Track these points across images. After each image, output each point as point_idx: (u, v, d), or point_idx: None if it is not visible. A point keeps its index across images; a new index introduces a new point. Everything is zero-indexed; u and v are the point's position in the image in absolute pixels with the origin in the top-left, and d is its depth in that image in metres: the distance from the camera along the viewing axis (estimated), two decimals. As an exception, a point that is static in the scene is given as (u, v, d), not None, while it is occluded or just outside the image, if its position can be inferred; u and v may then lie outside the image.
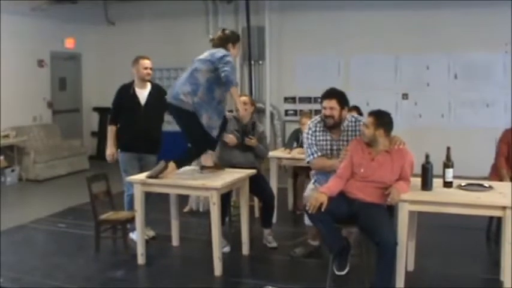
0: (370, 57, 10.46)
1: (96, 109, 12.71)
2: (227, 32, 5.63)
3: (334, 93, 5.23)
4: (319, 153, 5.28)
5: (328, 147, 5.29)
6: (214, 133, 5.41)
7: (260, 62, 11.35)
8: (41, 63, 11.50)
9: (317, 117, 5.42)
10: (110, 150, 6.38)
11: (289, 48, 11.14)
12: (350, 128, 5.26)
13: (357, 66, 10.61)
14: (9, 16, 10.27)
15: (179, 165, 5.54)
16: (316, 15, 10.83)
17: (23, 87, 10.89)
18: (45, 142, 10.99)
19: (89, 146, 12.43)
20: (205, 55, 5.41)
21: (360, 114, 6.81)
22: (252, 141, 6.31)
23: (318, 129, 5.34)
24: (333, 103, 5.15)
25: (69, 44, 12.18)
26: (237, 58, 10.82)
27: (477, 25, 9.71)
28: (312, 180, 5.60)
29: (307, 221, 5.11)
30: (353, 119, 5.30)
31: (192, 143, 5.54)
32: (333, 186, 4.78)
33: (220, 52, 5.33)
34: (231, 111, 6.34)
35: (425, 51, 10.19)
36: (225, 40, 5.54)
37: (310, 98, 10.52)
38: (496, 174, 6.19)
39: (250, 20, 10.91)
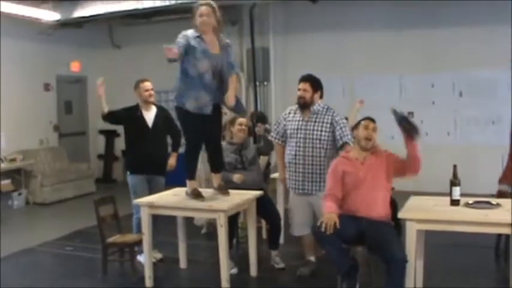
0: (374, 76, 10.49)
1: (102, 132, 12.75)
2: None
3: (308, 78, 5.78)
4: (280, 140, 5.88)
5: (295, 126, 5.70)
6: (208, 110, 5.26)
7: (265, 83, 11.38)
8: (47, 86, 11.58)
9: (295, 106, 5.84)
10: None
11: (293, 69, 11.13)
12: (319, 112, 5.66)
13: (362, 86, 10.62)
14: (16, 40, 10.38)
15: (190, 177, 5.52)
16: (320, 36, 10.87)
17: (29, 111, 10.95)
18: (52, 165, 11.02)
19: (96, 168, 12.44)
20: None
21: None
22: (260, 129, 6.78)
23: (291, 111, 5.83)
24: (307, 86, 5.68)
25: (75, 67, 12.27)
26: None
27: (480, 43, 9.72)
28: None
29: (296, 232, 5.71)
30: (325, 107, 5.72)
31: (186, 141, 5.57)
32: (333, 205, 4.80)
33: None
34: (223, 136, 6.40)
35: (429, 69, 10.21)
36: (193, 18, 5.34)
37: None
38: (506, 177, 6.14)
39: (254, 41, 10.97)
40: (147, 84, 6.47)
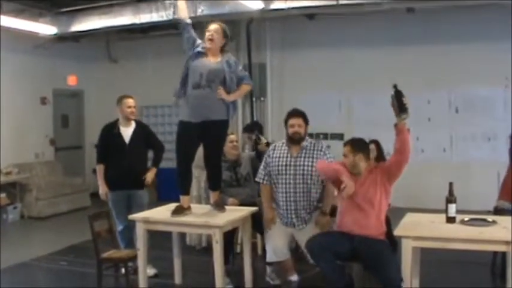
0: (371, 93, 10.50)
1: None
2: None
3: (300, 113, 5.61)
4: (267, 181, 5.64)
5: (283, 162, 5.51)
6: (198, 119, 5.26)
7: (262, 98, 11.39)
8: (43, 100, 11.58)
9: (280, 142, 5.70)
10: (102, 188, 6.50)
11: (290, 85, 11.20)
12: (308, 148, 5.52)
13: (358, 103, 10.64)
14: (12, 54, 10.38)
15: (183, 192, 5.51)
16: (316, 52, 10.91)
17: (25, 124, 10.95)
18: (48, 179, 10.99)
19: (91, 183, 12.37)
20: None
21: (380, 149, 6.84)
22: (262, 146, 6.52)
23: (276, 148, 5.66)
24: (300, 121, 5.53)
25: (72, 81, 12.27)
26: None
27: (477, 60, 9.76)
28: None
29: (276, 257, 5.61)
30: (312, 142, 5.64)
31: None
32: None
33: None
34: None
35: (425, 86, 10.22)
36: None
37: (312, 134, 10.52)
38: (505, 193, 6.14)
39: (251, 57, 10.99)
40: (130, 101, 6.56)
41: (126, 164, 6.37)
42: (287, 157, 5.52)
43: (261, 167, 5.71)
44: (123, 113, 6.52)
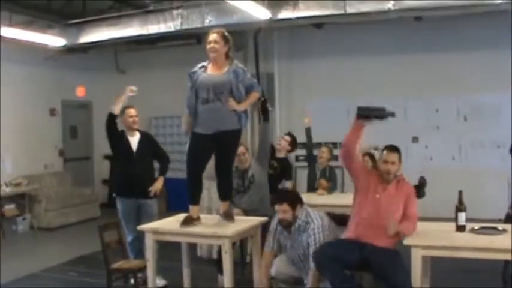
0: (379, 101, 10.40)
1: (107, 157, 12.71)
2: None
3: (284, 197, 5.24)
4: (274, 248, 5.37)
5: (283, 241, 5.32)
6: (209, 131, 5.23)
7: (270, 108, 11.37)
8: (52, 111, 11.63)
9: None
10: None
11: (298, 94, 11.21)
12: (301, 228, 5.14)
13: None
14: (22, 65, 10.49)
15: (191, 202, 5.47)
16: (324, 61, 10.93)
17: (34, 136, 11.00)
18: (57, 190, 11.02)
19: (100, 193, 12.44)
20: None
21: (374, 160, 6.89)
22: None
23: (278, 225, 5.34)
24: (285, 206, 5.12)
25: (80, 92, 12.30)
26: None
27: (485, 67, 9.76)
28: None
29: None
30: (305, 220, 5.15)
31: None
32: None
33: None
34: None
35: (434, 94, 10.23)
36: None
37: (320, 143, 10.50)
38: None
39: (259, 66, 11.01)
40: (132, 111, 6.59)
41: (135, 171, 6.39)
42: (285, 237, 5.29)
43: (268, 236, 5.43)
44: (126, 123, 6.55)
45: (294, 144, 7.63)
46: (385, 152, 4.94)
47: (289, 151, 7.65)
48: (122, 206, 6.48)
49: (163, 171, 6.70)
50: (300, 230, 5.15)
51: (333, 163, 7.90)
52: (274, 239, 5.36)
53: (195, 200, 5.50)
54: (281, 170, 7.37)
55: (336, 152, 9.37)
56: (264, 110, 6.32)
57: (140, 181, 6.41)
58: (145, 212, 6.41)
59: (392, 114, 4.83)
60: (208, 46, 5.23)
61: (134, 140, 6.55)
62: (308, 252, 5.01)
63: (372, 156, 7.10)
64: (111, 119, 6.40)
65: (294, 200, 5.21)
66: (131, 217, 6.37)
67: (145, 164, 6.53)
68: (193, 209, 5.44)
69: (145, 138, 6.68)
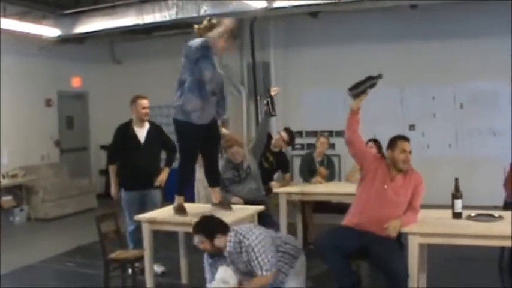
0: (375, 89, 10.44)
1: (103, 147, 12.72)
2: (213, 21, 5.08)
3: (197, 229, 4.61)
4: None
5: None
6: (207, 121, 5.27)
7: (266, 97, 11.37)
8: (48, 102, 11.60)
9: None
10: (115, 189, 6.50)
11: (294, 83, 11.19)
12: (236, 250, 4.49)
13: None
14: (17, 56, 10.42)
15: (180, 192, 5.49)
16: (320, 49, 10.92)
17: (30, 127, 10.97)
18: (53, 181, 11.00)
19: (97, 184, 12.42)
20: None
21: (379, 146, 6.88)
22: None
23: None
24: (201, 238, 4.56)
25: (76, 83, 12.28)
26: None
27: (481, 55, 9.76)
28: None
29: None
30: (236, 240, 4.49)
31: (181, 155, 5.53)
32: None
33: (195, 42, 4.98)
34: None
35: (430, 82, 10.23)
36: (209, 30, 5.05)
37: (316, 131, 10.51)
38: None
39: (255, 55, 11.00)
40: (145, 102, 6.53)
41: (141, 164, 6.37)
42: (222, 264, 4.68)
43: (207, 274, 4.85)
44: (138, 113, 6.49)
45: (291, 140, 7.59)
46: (400, 141, 4.91)
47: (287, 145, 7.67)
48: (127, 196, 6.47)
49: (169, 162, 6.65)
50: (234, 252, 4.51)
51: (328, 152, 7.90)
52: (211, 273, 4.75)
53: (185, 191, 5.56)
54: (277, 164, 7.39)
55: (332, 140, 9.46)
56: (273, 106, 6.43)
57: (146, 172, 6.39)
58: (149, 201, 6.40)
59: (380, 76, 5.27)
60: (229, 33, 5.04)
61: (142, 132, 6.50)
62: (251, 267, 4.44)
63: (376, 142, 7.06)
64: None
65: (209, 232, 4.54)
66: (135, 207, 6.31)
67: (152, 156, 6.49)
68: (181, 199, 5.47)
69: (154, 129, 6.60)
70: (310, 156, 7.73)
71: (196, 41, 4.96)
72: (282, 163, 7.50)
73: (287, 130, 7.65)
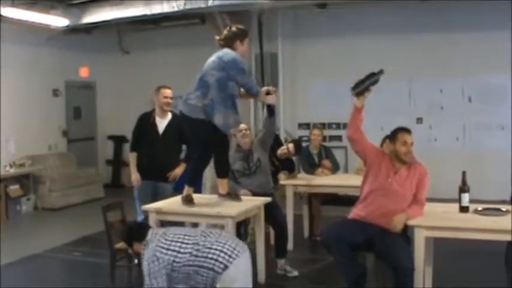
0: (383, 82, 10.40)
1: (111, 137, 12.78)
2: (233, 29, 5.29)
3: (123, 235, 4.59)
4: None
5: None
6: (231, 131, 5.35)
7: (273, 88, 11.33)
8: (56, 92, 11.61)
9: None
10: (135, 175, 6.48)
11: (302, 74, 11.17)
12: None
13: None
14: (24, 46, 10.44)
15: (190, 183, 5.50)
16: (328, 41, 10.87)
17: (38, 116, 11.00)
18: (61, 171, 11.02)
19: (104, 174, 12.45)
20: (212, 59, 5.19)
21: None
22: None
23: None
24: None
25: (84, 73, 12.29)
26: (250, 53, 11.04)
27: (490, 48, 9.69)
28: None
29: None
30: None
31: (199, 150, 5.49)
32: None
33: (228, 55, 5.13)
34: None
35: (438, 75, 10.18)
36: (231, 38, 5.25)
37: (324, 123, 10.50)
38: None
39: (263, 47, 10.96)
40: (167, 92, 6.51)
41: (157, 155, 6.34)
42: None
43: None
44: (159, 102, 6.47)
45: (297, 150, 7.25)
46: (401, 133, 4.88)
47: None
48: (140, 186, 6.47)
49: (187, 157, 6.43)
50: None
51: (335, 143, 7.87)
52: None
53: (195, 183, 5.61)
54: (283, 167, 7.31)
55: (335, 132, 9.46)
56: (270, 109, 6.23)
57: (161, 164, 6.36)
58: (162, 193, 6.31)
59: (382, 72, 5.26)
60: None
61: (163, 122, 6.47)
62: None
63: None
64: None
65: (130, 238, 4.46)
66: (147, 198, 6.22)
67: (169, 148, 6.43)
68: (190, 190, 5.48)
69: (176, 121, 6.36)
70: (307, 150, 7.70)
71: (236, 60, 5.11)
72: (288, 166, 7.42)
73: (295, 143, 7.30)
